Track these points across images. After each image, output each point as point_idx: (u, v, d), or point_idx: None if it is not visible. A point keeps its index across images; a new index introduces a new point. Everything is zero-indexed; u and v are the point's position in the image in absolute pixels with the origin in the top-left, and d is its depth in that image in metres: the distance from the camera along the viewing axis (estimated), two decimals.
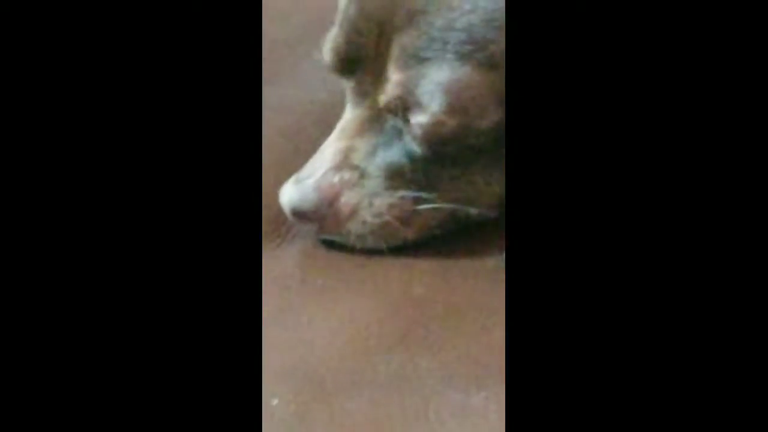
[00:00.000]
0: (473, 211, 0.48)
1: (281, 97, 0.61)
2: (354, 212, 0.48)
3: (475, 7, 0.46)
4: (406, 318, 0.49)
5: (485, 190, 0.49)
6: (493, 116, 0.46)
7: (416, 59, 0.47)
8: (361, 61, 0.48)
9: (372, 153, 0.48)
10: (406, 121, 0.47)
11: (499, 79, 0.46)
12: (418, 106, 0.47)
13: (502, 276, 0.46)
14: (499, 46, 0.46)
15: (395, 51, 0.47)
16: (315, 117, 0.57)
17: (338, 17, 0.49)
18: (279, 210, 0.52)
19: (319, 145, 0.51)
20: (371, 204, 0.48)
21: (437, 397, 0.47)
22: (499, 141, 0.48)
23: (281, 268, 0.50)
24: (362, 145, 0.48)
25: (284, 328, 0.49)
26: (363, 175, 0.48)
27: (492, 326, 0.50)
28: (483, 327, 0.50)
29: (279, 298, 0.49)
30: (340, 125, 0.48)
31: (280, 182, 0.52)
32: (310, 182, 0.47)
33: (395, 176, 0.48)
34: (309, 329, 0.49)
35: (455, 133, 0.46)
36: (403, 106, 0.47)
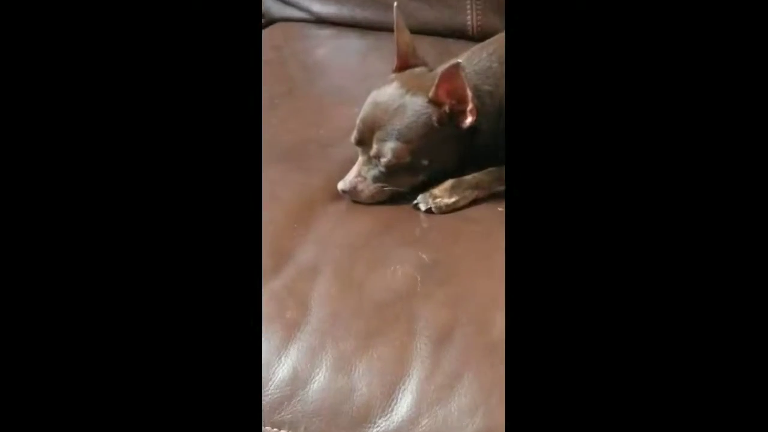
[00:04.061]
0: (402, 190, 1.25)
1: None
2: (362, 191, 1.26)
3: (401, 123, 1.23)
4: (379, 224, 1.23)
5: (406, 183, 1.25)
6: (407, 159, 1.23)
7: (382, 140, 1.24)
8: (363, 141, 1.25)
9: (368, 171, 1.26)
10: (379, 161, 1.22)
11: (410, 146, 1.22)
12: (383, 156, 1.22)
13: (411, 209, 1.25)
14: (409, 134, 1.23)
15: (375, 137, 1.24)
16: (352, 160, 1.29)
17: (356, 126, 1.26)
18: (338, 190, 1.26)
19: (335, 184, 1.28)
20: (368, 189, 1.26)
21: (391, 251, 1.18)
22: (410, 166, 1.23)
23: (340, 209, 1.27)
24: (365, 168, 1.25)
25: (340, 228, 1.23)
26: (365, 179, 1.25)
27: (413, 225, 1.23)
28: (409, 226, 1.23)
29: (338, 218, 1.25)
30: (357, 162, 1.25)
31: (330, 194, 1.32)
32: (347, 181, 1.25)
33: (376, 179, 1.25)
34: (349, 228, 1.23)
35: (395, 165, 1.23)
36: (378, 156, 1.22)
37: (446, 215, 1.30)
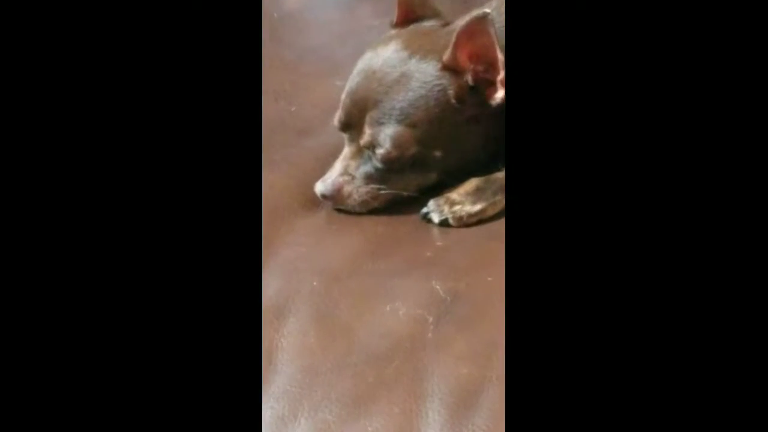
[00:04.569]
0: (405, 193, 1.15)
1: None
2: (349, 195, 1.15)
3: (404, 98, 1.13)
4: (374, 242, 1.13)
5: (411, 183, 1.15)
6: (413, 150, 1.13)
7: (377, 123, 1.13)
8: (351, 124, 1.16)
9: (357, 167, 1.15)
10: (373, 152, 1.13)
11: (417, 132, 1.13)
12: (379, 145, 1.13)
13: (420, 222, 1.14)
14: (416, 115, 1.13)
15: (367, 119, 1.14)
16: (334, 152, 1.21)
17: (341, 104, 1.17)
18: (315, 195, 1.17)
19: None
20: (357, 191, 1.15)
21: (390, 281, 1.08)
22: (417, 160, 1.14)
23: (317, 221, 1.17)
24: (353, 163, 1.15)
25: (318, 249, 1.14)
26: (353, 178, 1.15)
27: (421, 243, 1.13)
28: (416, 244, 1.13)
29: (315, 235, 1.15)
30: (342, 155, 1.17)
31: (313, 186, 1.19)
32: (329, 181, 1.14)
33: (368, 178, 1.15)
34: (330, 248, 1.14)
35: (396, 158, 1.13)
36: (372, 145, 1.13)
37: (469, 229, 1.20)
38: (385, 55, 1.20)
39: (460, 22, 1.17)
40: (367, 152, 1.18)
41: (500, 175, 1.19)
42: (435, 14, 1.26)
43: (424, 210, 1.18)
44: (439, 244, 1.18)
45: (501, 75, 1.15)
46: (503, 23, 1.18)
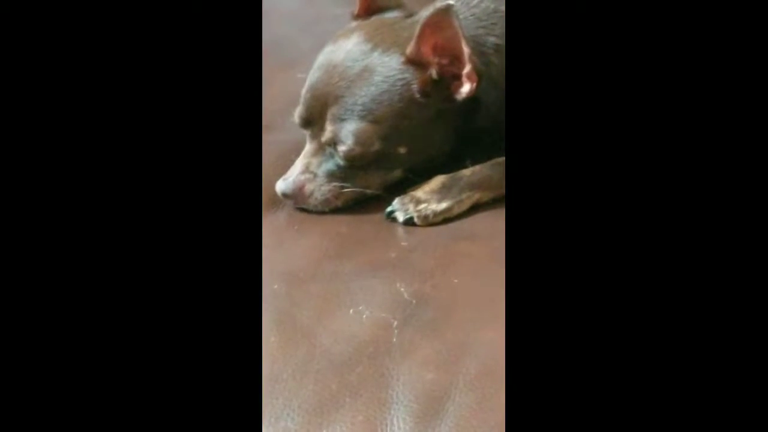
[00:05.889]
0: (368, 191, 1.15)
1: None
2: (311, 194, 1.14)
3: (366, 93, 1.12)
4: (336, 243, 1.12)
5: (375, 181, 1.15)
6: (376, 147, 1.12)
7: (339, 119, 1.13)
8: (312, 120, 1.15)
9: (319, 165, 1.15)
10: (335, 149, 1.13)
11: (380, 128, 1.12)
12: (341, 142, 1.12)
13: (384, 221, 1.14)
14: (379, 110, 1.12)
15: (329, 115, 1.13)
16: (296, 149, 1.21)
17: (301, 99, 1.17)
18: (275, 194, 1.17)
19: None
20: (320, 190, 1.14)
21: (353, 283, 1.08)
22: (381, 157, 1.14)
23: (278, 221, 1.17)
24: (314, 161, 1.15)
25: (279, 250, 1.12)
26: (315, 176, 1.14)
27: (386, 244, 1.13)
28: (381, 245, 1.12)
29: (276, 235, 1.14)
30: (303, 152, 1.16)
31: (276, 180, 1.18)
32: (290, 180, 1.14)
33: (331, 176, 1.14)
34: (291, 249, 1.13)
35: (359, 156, 1.12)
36: (334, 142, 1.13)
37: (434, 228, 1.20)
38: (347, 48, 1.19)
39: (424, 13, 1.16)
40: (329, 149, 1.17)
41: (466, 172, 1.19)
42: (397, 5, 1.25)
43: (389, 209, 1.17)
44: (404, 244, 1.17)
45: (467, 68, 1.14)
46: (468, 15, 1.19)
